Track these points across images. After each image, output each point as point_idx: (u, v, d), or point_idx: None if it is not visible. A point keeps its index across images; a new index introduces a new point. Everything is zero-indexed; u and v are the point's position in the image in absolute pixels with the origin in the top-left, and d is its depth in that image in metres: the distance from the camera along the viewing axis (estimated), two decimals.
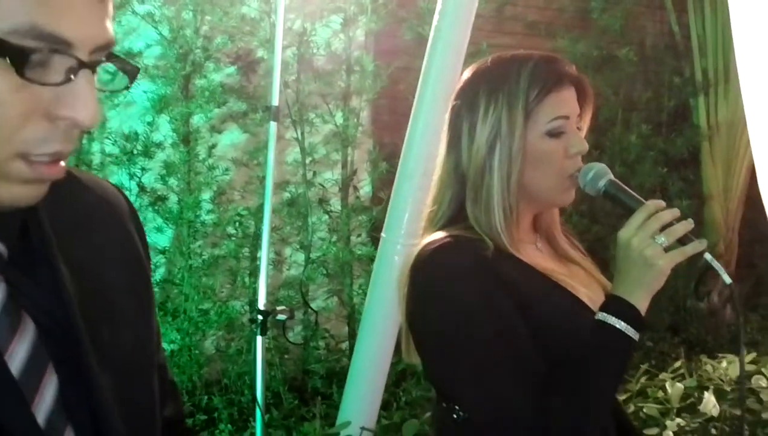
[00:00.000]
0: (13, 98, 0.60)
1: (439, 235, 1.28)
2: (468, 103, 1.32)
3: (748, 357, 2.24)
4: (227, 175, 3.48)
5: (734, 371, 2.15)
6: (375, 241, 3.69)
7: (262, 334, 2.76)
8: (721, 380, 2.13)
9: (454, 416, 1.30)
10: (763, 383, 2.16)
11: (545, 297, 1.28)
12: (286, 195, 3.63)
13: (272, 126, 2.76)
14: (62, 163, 0.65)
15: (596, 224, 4.18)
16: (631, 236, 1.18)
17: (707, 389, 2.08)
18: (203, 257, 3.45)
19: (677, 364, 2.24)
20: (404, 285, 1.32)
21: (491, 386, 1.20)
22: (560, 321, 1.27)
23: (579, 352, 1.21)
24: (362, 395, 1.96)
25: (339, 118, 3.75)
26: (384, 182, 3.82)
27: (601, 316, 1.20)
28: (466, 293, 1.23)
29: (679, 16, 4.58)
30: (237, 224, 3.50)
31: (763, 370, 2.19)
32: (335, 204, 3.84)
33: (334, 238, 3.80)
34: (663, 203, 1.20)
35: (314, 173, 3.73)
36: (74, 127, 0.63)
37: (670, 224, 1.17)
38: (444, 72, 2.33)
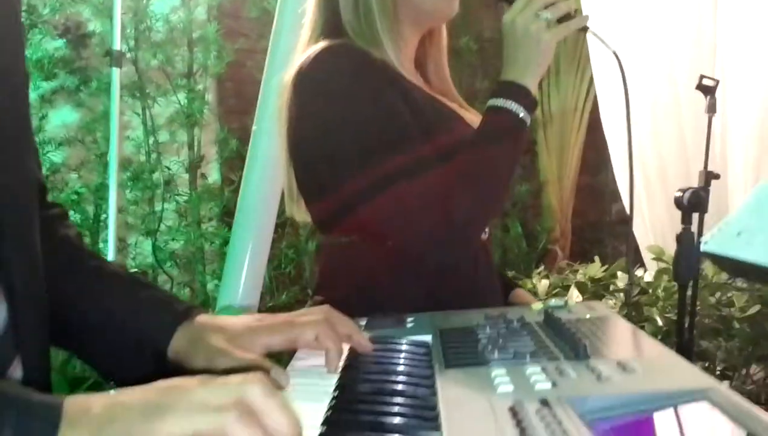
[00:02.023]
0: None
1: (320, 44, 1.21)
2: None
3: (603, 267, 2.34)
4: (60, 151, 3.20)
5: (592, 272, 2.26)
6: (228, 225, 3.53)
7: None
8: (581, 281, 2.23)
9: (344, 243, 1.23)
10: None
11: (432, 107, 1.25)
12: (128, 175, 3.40)
13: (114, 73, 2.58)
14: None
15: None
16: (515, 15, 1.17)
17: (568, 287, 2.17)
18: None
19: (540, 269, 2.33)
20: (285, 108, 1.23)
21: (392, 189, 1.14)
22: (448, 126, 1.24)
23: (473, 141, 1.18)
24: (242, 275, 1.82)
25: (183, 97, 3.59)
26: (233, 166, 3.69)
27: (492, 102, 1.18)
28: (357, 92, 1.16)
29: None
30: (75, 204, 3.21)
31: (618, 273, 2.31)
32: (183, 188, 3.64)
33: (184, 223, 3.60)
34: None
35: (159, 155, 3.53)
36: None
37: (552, 4, 1.18)
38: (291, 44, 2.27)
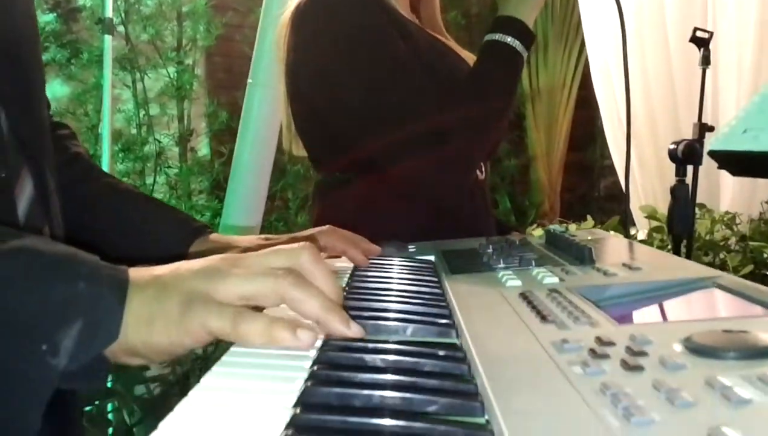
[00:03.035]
0: None
1: None
2: None
3: (589, 224, 2.35)
4: None
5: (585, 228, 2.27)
6: (218, 198, 3.52)
7: None
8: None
9: (340, 180, 1.23)
10: None
11: (430, 43, 1.25)
12: (119, 147, 3.38)
13: (107, 40, 2.56)
14: None
15: None
16: None
17: None
18: None
19: (534, 227, 2.33)
20: (282, 45, 1.23)
21: (389, 124, 1.14)
22: (445, 62, 1.24)
23: (470, 75, 1.18)
24: (245, 197, 1.82)
25: (172, 71, 3.58)
26: (222, 140, 3.68)
27: (489, 36, 1.18)
28: (355, 28, 1.16)
29: None
30: None
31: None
32: (173, 161, 3.63)
33: (174, 196, 3.59)
34: None
35: (149, 127, 3.52)
36: None
37: None
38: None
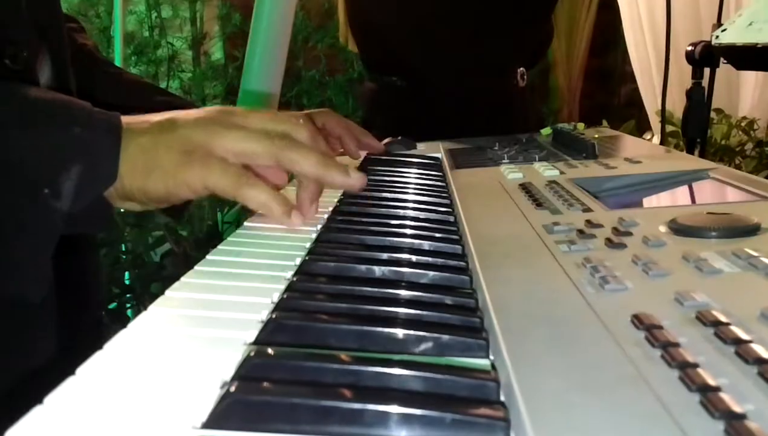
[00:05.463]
0: None
1: None
2: None
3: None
4: None
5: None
6: (232, 103, 3.51)
7: None
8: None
9: (386, 82, 1.23)
10: None
11: None
12: (131, 49, 3.35)
13: None
14: None
15: None
16: None
17: None
18: None
19: None
20: None
21: (432, 30, 1.14)
22: None
23: None
24: (265, 61, 1.78)
25: None
26: (236, 43, 3.64)
27: None
28: None
29: None
30: None
31: None
32: (186, 65, 3.60)
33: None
34: None
35: (162, 30, 3.48)
36: None
37: None
38: None
